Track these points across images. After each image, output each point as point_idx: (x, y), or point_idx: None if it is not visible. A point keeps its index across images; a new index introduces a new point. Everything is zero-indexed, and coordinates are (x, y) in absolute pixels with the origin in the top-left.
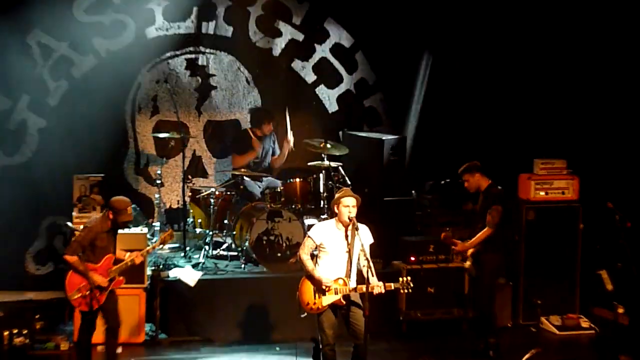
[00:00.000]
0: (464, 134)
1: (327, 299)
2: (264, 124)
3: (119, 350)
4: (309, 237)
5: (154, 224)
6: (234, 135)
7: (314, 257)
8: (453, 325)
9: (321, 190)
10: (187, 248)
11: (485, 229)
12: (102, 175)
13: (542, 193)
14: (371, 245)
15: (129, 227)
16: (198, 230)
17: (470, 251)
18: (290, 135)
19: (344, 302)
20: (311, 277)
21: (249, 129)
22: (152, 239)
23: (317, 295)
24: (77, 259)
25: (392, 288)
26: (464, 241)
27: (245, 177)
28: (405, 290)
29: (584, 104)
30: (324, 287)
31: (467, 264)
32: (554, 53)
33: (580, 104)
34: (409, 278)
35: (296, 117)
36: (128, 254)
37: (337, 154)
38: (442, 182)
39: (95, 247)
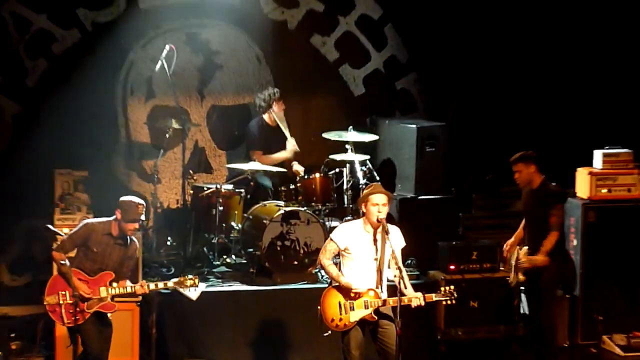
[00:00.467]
0: (513, 121)
1: (356, 314)
2: (275, 102)
3: None
4: (331, 240)
5: (149, 226)
6: (260, 129)
7: (336, 264)
8: (500, 345)
9: (345, 187)
10: (189, 254)
11: (552, 233)
12: (88, 169)
13: (605, 190)
14: (403, 250)
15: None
16: (201, 234)
17: (524, 261)
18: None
19: (375, 318)
20: (336, 287)
21: (262, 117)
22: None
23: (343, 309)
24: (63, 257)
25: (434, 299)
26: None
27: (258, 172)
28: (448, 302)
29: None
30: (353, 295)
31: (521, 277)
32: (619, 28)
33: None
34: (452, 287)
35: (316, 101)
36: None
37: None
38: (487, 177)
39: (88, 250)
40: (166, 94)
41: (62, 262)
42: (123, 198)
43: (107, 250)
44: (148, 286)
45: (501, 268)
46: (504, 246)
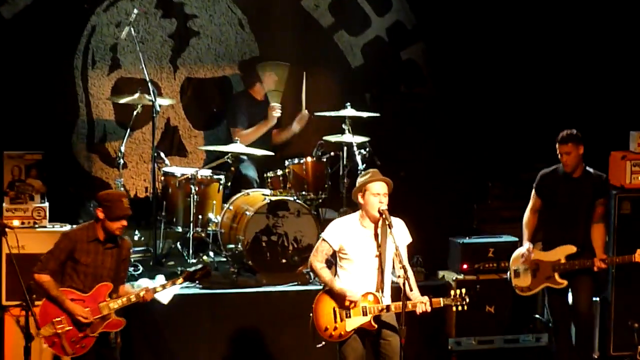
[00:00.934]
0: (539, 99)
1: (353, 322)
2: (266, 74)
3: None
4: (323, 240)
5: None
6: (237, 102)
7: (332, 266)
8: (520, 356)
9: (341, 173)
10: (159, 251)
11: (601, 226)
12: (42, 152)
13: None
14: (409, 246)
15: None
16: (173, 227)
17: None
18: (304, 109)
19: (375, 326)
20: (330, 291)
21: (249, 91)
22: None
23: (339, 317)
24: (49, 279)
25: (442, 305)
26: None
27: (240, 156)
28: (459, 307)
29: None
30: (348, 303)
31: (562, 281)
32: None
33: None
34: (463, 290)
35: (307, 74)
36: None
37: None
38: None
39: (77, 263)
40: (133, 64)
41: (48, 284)
42: (101, 193)
43: (99, 259)
44: (154, 290)
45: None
46: (527, 252)
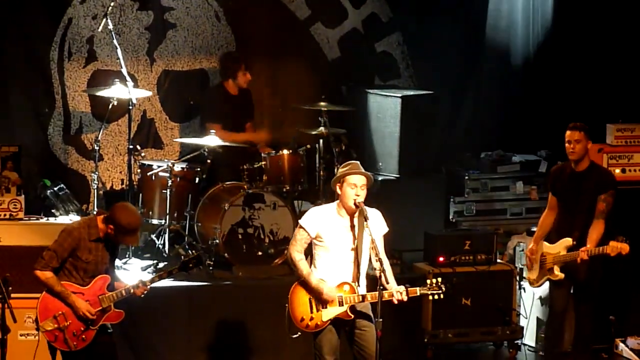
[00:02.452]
0: (515, 91)
1: (329, 313)
2: (238, 74)
3: None
4: (300, 227)
5: (89, 211)
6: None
7: (308, 256)
8: (496, 350)
9: (317, 165)
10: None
11: (600, 222)
12: (19, 145)
13: (618, 170)
14: (385, 236)
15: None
16: (149, 220)
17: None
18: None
19: (352, 316)
20: (306, 284)
21: (224, 84)
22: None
23: (314, 307)
24: (52, 276)
25: (418, 294)
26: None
27: (216, 149)
28: (435, 296)
29: None
30: (325, 299)
31: (559, 274)
32: None
33: None
34: (439, 279)
35: (284, 66)
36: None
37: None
38: (483, 155)
39: (78, 260)
40: (110, 57)
41: (51, 280)
42: (121, 218)
43: (99, 256)
44: (152, 280)
45: (522, 266)
46: (530, 244)
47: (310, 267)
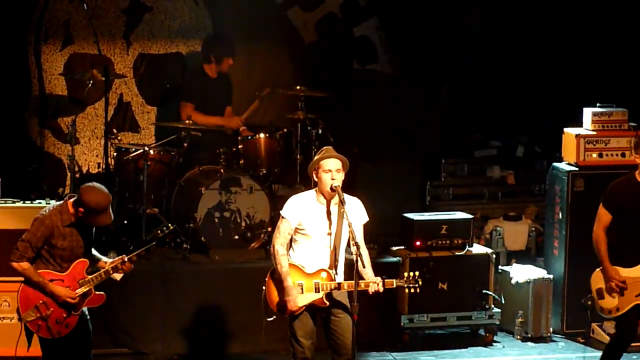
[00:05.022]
0: (493, 76)
1: (305, 298)
2: (224, 60)
3: None
4: (282, 218)
5: (65, 194)
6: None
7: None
8: (472, 335)
9: (294, 149)
10: (111, 228)
11: None
12: None
13: (595, 155)
14: (365, 225)
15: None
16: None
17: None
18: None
19: (327, 303)
20: (280, 280)
21: (204, 66)
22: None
23: None
24: (29, 267)
25: (394, 286)
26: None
27: (192, 132)
28: (412, 290)
29: None
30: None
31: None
32: None
33: None
34: (416, 273)
35: (261, 50)
36: (108, 260)
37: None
38: (462, 140)
39: (54, 247)
40: (86, 40)
41: (29, 271)
42: (89, 199)
43: (74, 240)
44: (131, 259)
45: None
46: (610, 273)
47: (289, 250)
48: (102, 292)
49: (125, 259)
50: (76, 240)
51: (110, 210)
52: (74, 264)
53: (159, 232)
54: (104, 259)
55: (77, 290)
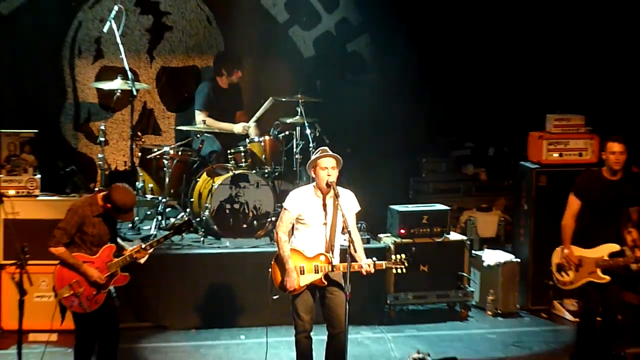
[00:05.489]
0: (467, 85)
1: (306, 279)
2: (234, 72)
3: (54, 338)
4: (285, 209)
5: (96, 189)
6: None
7: (290, 230)
8: (449, 311)
9: (295, 150)
10: (136, 218)
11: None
12: (35, 131)
13: (556, 155)
14: (357, 215)
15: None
16: (149, 196)
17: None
18: (252, 123)
19: (325, 283)
20: (282, 263)
21: (217, 78)
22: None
23: None
24: (64, 251)
25: (384, 267)
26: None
27: (206, 135)
28: (399, 270)
29: (607, 51)
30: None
31: (605, 277)
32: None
33: (602, 51)
34: (403, 256)
35: (266, 64)
36: (129, 247)
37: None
38: (439, 141)
39: (85, 234)
40: (114, 54)
41: (64, 255)
42: (117, 198)
43: (102, 228)
44: (151, 245)
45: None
46: (564, 250)
47: (290, 238)
48: (127, 273)
49: (142, 247)
50: (103, 229)
51: (133, 212)
52: (103, 248)
53: (175, 223)
54: (126, 245)
55: (105, 271)
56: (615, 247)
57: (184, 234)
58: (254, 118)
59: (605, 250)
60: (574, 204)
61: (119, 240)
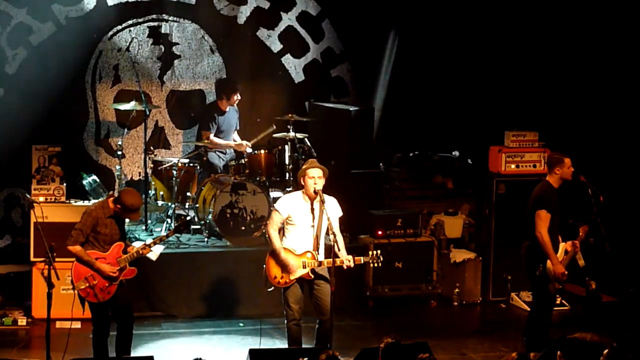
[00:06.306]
0: (434, 106)
1: (296, 273)
2: (232, 96)
3: (77, 325)
4: (275, 210)
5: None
6: (207, 110)
7: (281, 230)
8: (420, 301)
9: (286, 162)
10: (149, 221)
11: None
12: (62, 145)
13: (513, 166)
14: (340, 218)
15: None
16: (160, 203)
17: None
18: (249, 143)
19: (312, 276)
20: (276, 255)
21: (218, 102)
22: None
23: None
24: (80, 249)
25: (362, 262)
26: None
27: (208, 149)
28: (375, 264)
29: (557, 75)
30: (289, 269)
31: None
32: (525, 22)
33: (554, 75)
34: (378, 252)
35: (261, 87)
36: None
37: (304, 124)
38: (411, 154)
39: (98, 233)
40: (130, 79)
41: (81, 252)
42: (127, 199)
43: (114, 228)
44: (153, 243)
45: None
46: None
47: (281, 238)
48: (134, 267)
49: (147, 244)
50: (114, 228)
51: (140, 211)
52: (113, 246)
53: (177, 223)
54: (133, 244)
55: (116, 266)
56: (562, 247)
57: (183, 233)
58: (254, 140)
59: (561, 253)
60: (546, 219)
61: (135, 246)
